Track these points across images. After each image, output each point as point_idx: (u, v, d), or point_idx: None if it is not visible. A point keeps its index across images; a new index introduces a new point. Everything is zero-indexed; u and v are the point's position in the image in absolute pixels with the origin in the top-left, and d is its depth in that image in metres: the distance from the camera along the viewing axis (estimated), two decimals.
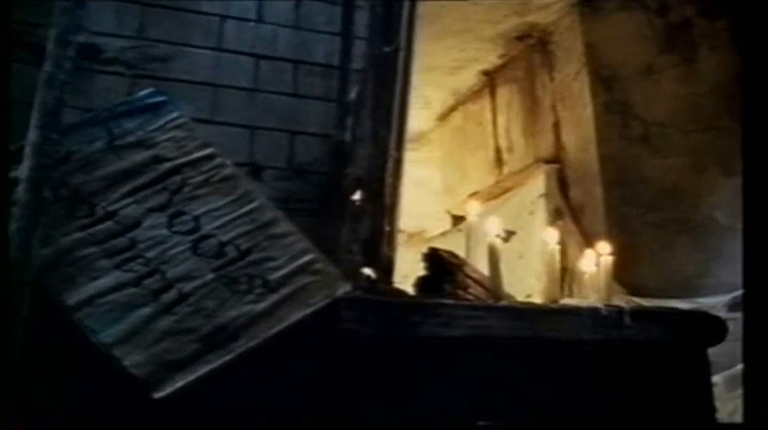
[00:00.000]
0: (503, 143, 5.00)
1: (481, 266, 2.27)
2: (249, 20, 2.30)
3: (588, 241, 3.96)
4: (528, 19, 4.54)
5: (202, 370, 1.72)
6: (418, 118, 5.53)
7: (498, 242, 2.15)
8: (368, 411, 1.87)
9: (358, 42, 2.35)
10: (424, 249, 2.27)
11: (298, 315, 1.84)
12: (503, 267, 2.18)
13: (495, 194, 4.84)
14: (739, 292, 3.61)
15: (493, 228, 2.18)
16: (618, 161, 4.08)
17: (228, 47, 2.27)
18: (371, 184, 2.20)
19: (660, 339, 2.25)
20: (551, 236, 2.39)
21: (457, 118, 5.53)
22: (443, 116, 5.63)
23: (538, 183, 4.37)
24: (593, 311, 2.19)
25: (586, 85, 4.20)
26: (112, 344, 1.70)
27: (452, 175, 5.54)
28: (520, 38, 4.74)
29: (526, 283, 3.86)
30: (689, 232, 3.94)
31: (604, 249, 2.43)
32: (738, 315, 3.62)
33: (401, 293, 2.11)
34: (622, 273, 3.90)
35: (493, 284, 2.14)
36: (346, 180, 2.18)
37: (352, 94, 2.24)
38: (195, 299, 1.80)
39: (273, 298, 1.85)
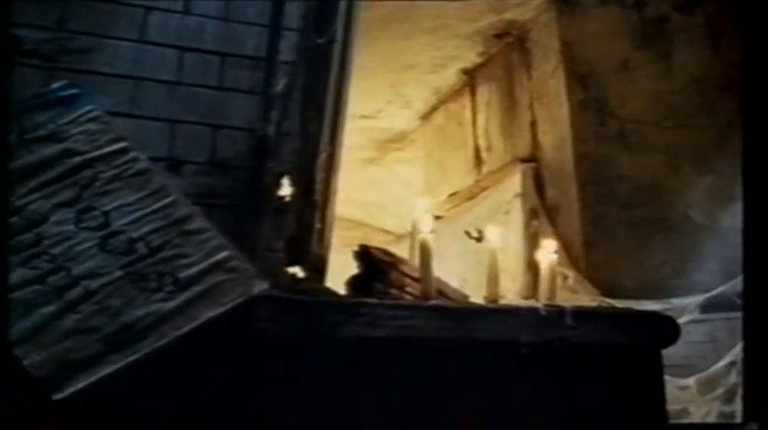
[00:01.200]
0: (482, 142, 4.93)
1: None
2: (175, 11, 2.24)
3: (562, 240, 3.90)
4: (505, 16, 4.48)
5: (105, 370, 1.66)
6: (400, 117, 5.50)
7: (430, 239, 2.07)
8: (283, 413, 1.81)
9: (291, 34, 2.27)
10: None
11: (210, 313, 1.77)
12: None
13: (473, 194, 4.79)
14: (712, 293, 3.54)
15: (426, 225, 2.11)
16: (593, 159, 4.01)
17: (152, 39, 2.21)
18: (300, 180, 2.13)
19: (605, 341, 2.17)
20: (493, 233, 2.31)
21: (438, 117, 5.47)
22: (426, 115, 5.56)
23: (514, 182, 4.32)
24: (532, 311, 2.12)
25: (563, 82, 4.13)
26: (13, 343, 1.65)
27: (434, 175, 5.48)
28: (498, 35, 4.68)
29: (500, 284, 3.77)
30: (664, 231, 3.86)
31: (550, 247, 2.35)
32: (712, 316, 3.55)
33: (326, 292, 2.04)
34: (597, 274, 3.84)
35: (423, 283, 2.06)
36: (268, 175, 2.11)
37: (279, 87, 2.17)
38: (101, 296, 1.74)
39: (184, 296, 1.78)
